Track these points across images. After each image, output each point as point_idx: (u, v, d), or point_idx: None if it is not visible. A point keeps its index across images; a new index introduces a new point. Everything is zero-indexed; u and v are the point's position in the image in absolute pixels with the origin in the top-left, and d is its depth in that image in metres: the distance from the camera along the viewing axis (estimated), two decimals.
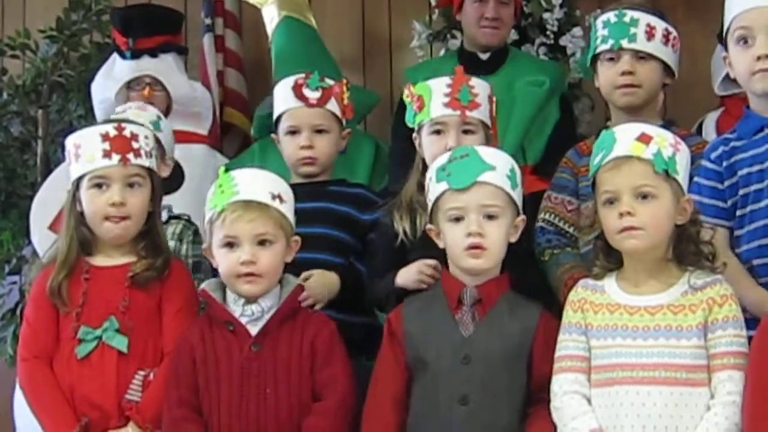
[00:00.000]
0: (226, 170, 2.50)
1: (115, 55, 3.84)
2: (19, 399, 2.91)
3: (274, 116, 2.95)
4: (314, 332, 2.42)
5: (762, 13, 2.45)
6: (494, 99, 2.76)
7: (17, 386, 2.60)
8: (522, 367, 2.30)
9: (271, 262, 2.41)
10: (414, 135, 2.75)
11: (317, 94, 2.86)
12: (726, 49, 2.55)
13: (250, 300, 2.42)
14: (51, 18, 4.22)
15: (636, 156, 2.25)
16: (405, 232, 2.61)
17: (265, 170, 2.57)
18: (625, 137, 2.29)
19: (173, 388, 2.40)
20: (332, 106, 2.89)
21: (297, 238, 2.49)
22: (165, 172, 3.10)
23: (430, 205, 2.42)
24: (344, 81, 3.01)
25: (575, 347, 2.28)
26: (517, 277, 2.41)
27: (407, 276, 2.57)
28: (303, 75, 2.90)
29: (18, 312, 3.90)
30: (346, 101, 2.93)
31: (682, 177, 2.29)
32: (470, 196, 2.33)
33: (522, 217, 2.41)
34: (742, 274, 2.43)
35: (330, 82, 2.91)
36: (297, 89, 2.87)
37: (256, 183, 2.47)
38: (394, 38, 4.35)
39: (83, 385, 2.45)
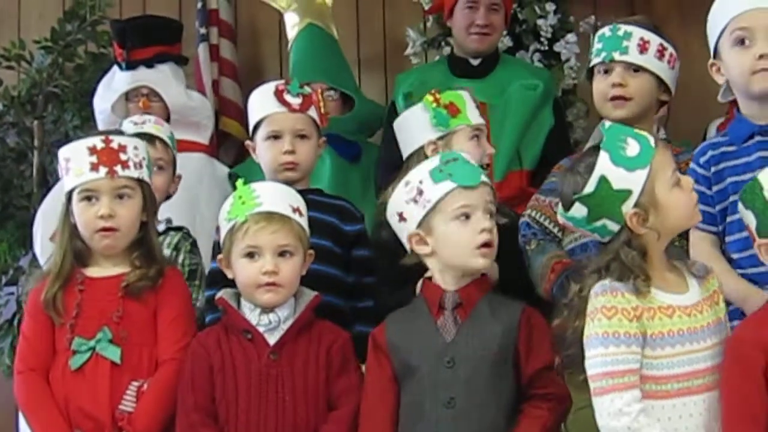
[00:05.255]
0: (245, 182, 2.52)
1: (115, 66, 3.85)
2: None
3: (252, 123, 2.92)
4: (330, 342, 2.45)
5: (761, 14, 2.45)
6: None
7: None
8: (508, 367, 2.28)
9: (292, 272, 2.45)
10: (434, 140, 2.79)
11: (299, 100, 2.84)
12: (715, 56, 2.55)
13: (266, 309, 2.44)
14: (46, 28, 4.24)
15: None
16: None
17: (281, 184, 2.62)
18: None
19: (189, 392, 2.41)
20: (312, 113, 2.88)
21: (311, 251, 2.51)
22: (173, 188, 3.11)
23: (426, 208, 2.34)
24: (319, 90, 3.01)
25: (635, 360, 2.12)
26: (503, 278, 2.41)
27: None
28: (282, 81, 2.88)
29: (15, 323, 3.90)
30: (323, 109, 2.92)
31: None
32: (478, 193, 2.34)
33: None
34: (725, 268, 2.43)
35: (308, 89, 2.90)
36: (279, 95, 2.83)
37: (277, 196, 2.51)
38: (388, 46, 4.35)
39: (77, 396, 2.45)
